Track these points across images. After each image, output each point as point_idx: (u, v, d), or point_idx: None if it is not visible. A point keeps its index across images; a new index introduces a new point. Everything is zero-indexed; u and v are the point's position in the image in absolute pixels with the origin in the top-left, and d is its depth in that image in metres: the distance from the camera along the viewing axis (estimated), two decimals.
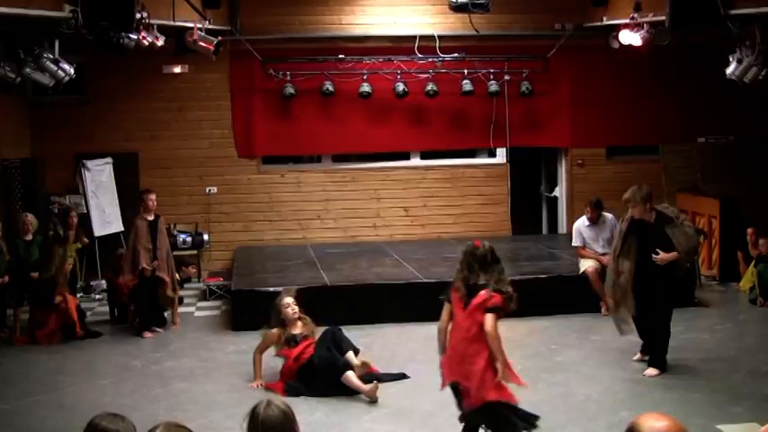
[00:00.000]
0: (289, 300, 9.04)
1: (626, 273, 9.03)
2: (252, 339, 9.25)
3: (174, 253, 12.26)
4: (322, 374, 8.53)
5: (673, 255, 8.79)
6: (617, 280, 9.07)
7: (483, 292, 6.27)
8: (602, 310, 11.07)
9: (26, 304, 11.28)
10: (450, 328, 6.54)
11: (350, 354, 8.69)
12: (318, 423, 7.76)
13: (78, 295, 12.12)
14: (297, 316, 8.99)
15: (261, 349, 9.02)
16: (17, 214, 12.10)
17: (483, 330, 6.24)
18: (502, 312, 6.34)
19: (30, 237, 11.34)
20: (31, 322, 10.92)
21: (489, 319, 6.23)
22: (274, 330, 8.92)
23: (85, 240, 12.65)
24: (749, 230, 12.44)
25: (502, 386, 6.30)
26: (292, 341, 8.87)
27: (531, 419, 6.47)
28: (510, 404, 6.36)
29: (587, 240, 11.60)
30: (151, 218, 11.23)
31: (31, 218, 11.46)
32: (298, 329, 8.95)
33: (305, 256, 13.48)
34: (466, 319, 6.36)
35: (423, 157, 15.31)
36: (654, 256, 8.78)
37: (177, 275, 11.95)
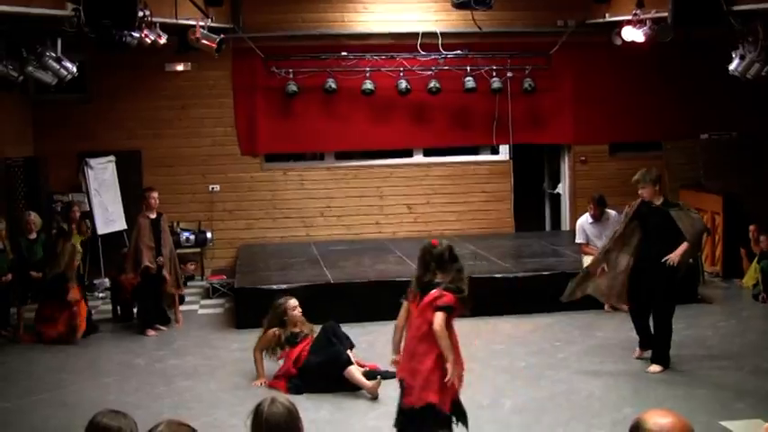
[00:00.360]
0: (295, 302, 9.09)
1: (625, 270, 9.09)
2: (255, 337, 9.25)
3: (177, 251, 12.26)
4: (325, 369, 8.55)
5: (683, 248, 8.81)
6: (605, 258, 9.17)
7: (434, 291, 6.23)
8: (605, 306, 11.07)
9: (30, 302, 11.29)
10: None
11: (349, 351, 8.75)
12: (323, 421, 7.77)
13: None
14: (301, 318, 9.07)
15: (260, 348, 9.03)
16: (20, 213, 12.11)
17: (432, 329, 6.20)
18: (454, 312, 6.29)
19: (34, 235, 11.33)
20: (39, 319, 10.91)
21: (438, 317, 6.17)
22: (274, 330, 8.94)
23: (87, 228, 12.62)
24: (751, 227, 12.43)
25: (445, 390, 6.25)
26: (293, 340, 8.89)
27: (450, 424, 6.44)
28: (443, 411, 6.31)
29: (590, 237, 11.60)
30: (153, 216, 11.25)
31: (34, 216, 11.46)
32: (297, 328, 8.99)
33: (308, 253, 13.48)
34: (417, 318, 6.32)
35: (425, 155, 15.31)
36: (665, 258, 8.80)
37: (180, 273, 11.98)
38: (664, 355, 8.98)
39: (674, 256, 8.79)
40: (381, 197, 15.07)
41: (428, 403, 6.20)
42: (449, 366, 6.16)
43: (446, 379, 6.14)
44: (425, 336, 6.23)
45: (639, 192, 9.01)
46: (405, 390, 6.33)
